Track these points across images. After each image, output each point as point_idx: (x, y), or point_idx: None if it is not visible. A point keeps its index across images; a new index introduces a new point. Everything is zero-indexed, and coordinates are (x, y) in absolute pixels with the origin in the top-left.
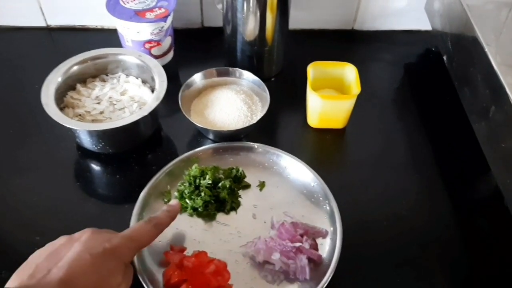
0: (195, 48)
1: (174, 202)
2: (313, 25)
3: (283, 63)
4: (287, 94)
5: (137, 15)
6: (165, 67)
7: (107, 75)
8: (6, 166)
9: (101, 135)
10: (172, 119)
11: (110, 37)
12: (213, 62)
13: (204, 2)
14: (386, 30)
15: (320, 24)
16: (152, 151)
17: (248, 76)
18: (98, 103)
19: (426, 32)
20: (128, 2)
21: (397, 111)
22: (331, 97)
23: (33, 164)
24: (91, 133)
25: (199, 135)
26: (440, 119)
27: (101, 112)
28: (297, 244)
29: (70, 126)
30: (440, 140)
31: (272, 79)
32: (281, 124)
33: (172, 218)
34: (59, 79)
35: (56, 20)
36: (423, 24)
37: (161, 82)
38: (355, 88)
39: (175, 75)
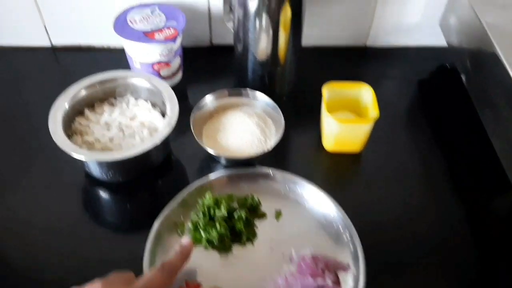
0: (204, 67)
1: (185, 241)
2: (324, 42)
3: (296, 82)
4: (300, 115)
5: (146, 36)
6: (174, 87)
7: (115, 99)
8: (9, 194)
9: (111, 165)
10: (183, 142)
11: (117, 57)
12: (222, 81)
13: (213, 20)
14: (400, 46)
15: (331, 41)
16: (163, 178)
17: (261, 98)
18: (108, 129)
19: (441, 48)
20: (136, 23)
21: (412, 130)
22: (348, 120)
23: (38, 191)
24: (101, 163)
25: (211, 160)
26: (456, 137)
27: (111, 140)
28: (319, 281)
29: (80, 157)
30: (457, 159)
31: (284, 98)
32: (295, 147)
33: (185, 259)
34: (67, 105)
35: (61, 39)
36: (438, 40)
37: (172, 106)
38: (373, 110)
39: (184, 95)
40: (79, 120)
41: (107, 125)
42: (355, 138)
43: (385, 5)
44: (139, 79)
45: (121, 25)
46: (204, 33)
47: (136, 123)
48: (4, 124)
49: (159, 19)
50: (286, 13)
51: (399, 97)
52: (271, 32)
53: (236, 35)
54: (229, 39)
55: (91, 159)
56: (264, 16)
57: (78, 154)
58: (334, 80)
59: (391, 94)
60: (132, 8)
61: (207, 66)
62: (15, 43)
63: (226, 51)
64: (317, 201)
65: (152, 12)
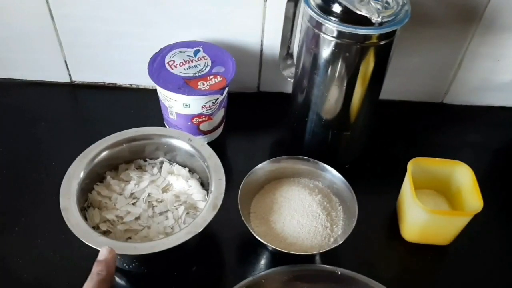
0: (249, 118)
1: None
2: (395, 96)
3: (363, 148)
4: (368, 190)
5: (187, 85)
6: (213, 142)
7: (145, 160)
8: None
9: (135, 256)
10: (222, 217)
11: (145, 98)
12: (271, 138)
13: (264, 65)
14: (482, 105)
15: (403, 95)
16: (197, 265)
17: (326, 169)
18: (133, 203)
19: None
20: (176, 67)
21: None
22: (442, 212)
23: (42, 277)
24: (124, 255)
25: (258, 245)
26: None
27: (137, 218)
28: None
29: (98, 248)
30: None
31: (347, 166)
32: (364, 234)
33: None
34: (83, 173)
35: (82, 75)
36: None
37: (217, 181)
38: (473, 198)
39: (224, 153)
40: (98, 189)
41: (133, 197)
42: (447, 230)
43: (474, 59)
44: (176, 140)
45: (157, 68)
46: (252, 78)
47: (170, 196)
48: (11, 171)
49: (203, 64)
50: (368, 63)
51: (489, 169)
52: (344, 87)
53: (298, 85)
54: (279, 87)
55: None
56: (340, 65)
57: (94, 244)
58: (405, 145)
59: (476, 160)
60: (170, 47)
61: (252, 118)
62: (32, 77)
63: (274, 99)
64: None
65: (195, 54)
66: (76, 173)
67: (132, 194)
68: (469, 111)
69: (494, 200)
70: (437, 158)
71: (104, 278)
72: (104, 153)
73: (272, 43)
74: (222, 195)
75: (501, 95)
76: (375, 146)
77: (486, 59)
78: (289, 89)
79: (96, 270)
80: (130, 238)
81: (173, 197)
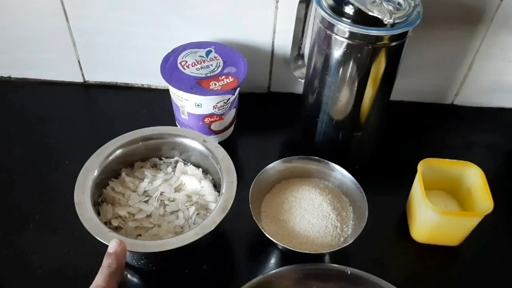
0: (259, 118)
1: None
2: (406, 97)
3: (374, 148)
4: (377, 190)
5: (199, 85)
6: (224, 141)
7: (160, 159)
8: (17, 274)
9: (144, 253)
10: (233, 215)
11: (158, 98)
12: (281, 137)
13: (275, 65)
14: (492, 107)
15: (414, 97)
16: (208, 263)
17: (336, 169)
18: (146, 201)
19: None
20: (188, 67)
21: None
22: (452, 213)
23: (56, 272)
24: (133, 252)
25: (269, 244)
26: None
27: (148, 216)
28: None
29: (107, 243)
30: None
31: (356, 167)
32: (374, 234)
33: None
34: (97, 171)
35: (96, 75)
36: None
37: (229, 183)
38: (483, 199)
39: (235, 152)
40: (113, 185)
41: (146, 195)
42: (457, 231)
43: (485, 60)
44: (191, 140)
45: (169, 68)
46: (263, 78)
47: (182, 196)
48: (26, 169)
49: (215, 64)
50: (380, 64)
51: (500, 170)
52: (355, 88)
53: (309, 86)
54: (290, 88)
55: None
56: (351, 66)
57: (104, 239)
58: (415, 145)
59: (486, 161)
60: (183, 47)
61: (263, 117)
62: (45, 76)
63: (285, 99)
64: None
65: (207, 54)
66: (92, 169)
67: (145, 192)
68: (480, 113)
69: (505, 201)
70: (447, 159)
71: (114, 271)
72: (120, 151)
73: (284, 44)
74: (233, 198)
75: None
76: (386, 147)
77: (497, 60)
78: (299, 89)
79: (107, 262)
80: (140, 235)
81: (185, 197)
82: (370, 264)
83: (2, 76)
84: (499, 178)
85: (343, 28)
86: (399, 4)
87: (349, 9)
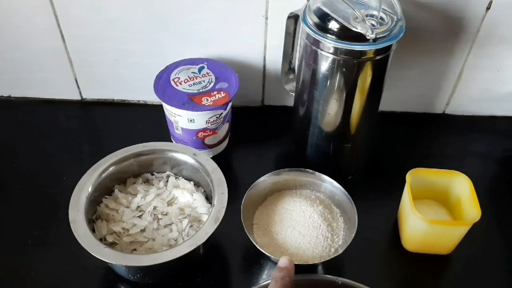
0: (253, 132)
1: (284, 261)
2: (398, 108)
3: (365, 159)
4: (369, 201)
5: (192, 101)
6: (218, 155)
7: (152, 174)
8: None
9: (140, 267)
10: (226, 228)
11: (153, 114)
12: (274, 150)
13: (267, 79)
14: (484, 115)
15: (406, 107)
16: (202, 276)
17: (326, 180)
18: (139, 216)
19: None
20: (180, 84)
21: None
22: (440, 222)
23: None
24: (129, 266)
25: (261, 256)
26: None
27: (142, 230)
28: None
29: (103, 259)
30: None
31: (349, 177)
32: (365, 244)
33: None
34: (93, 184)
35: (92, 93)
36: None
37: (220, 195)
38: (471, 208)
39: (229, 165)
40: (107, 202)
41: (140, 210)
42: (447, 240)
43: (474, 70)
44: (182, 155)
45: (162, 85)
46: (256, 93)
47: (175, 209)
48: (25, 186)
49: (207, 80)
50: (366, 77)
51: (492, 179)
52: (343, 101)
53: (299, 99)
54: (283, 101)
55: (117, 263)
56: (338, 80)
57: (100, 255)
58: (408, 155)
59: (478, 170)
60: (176, 64)
61: (257, 130)
62: (42, 95)
63: (278, 112)
64: None
65: (199, 71)
66: (85, 187)
67: (138, 207)
68: (472, 121)
69: (497, 209)
70: (435, 169)
71: (287, 284)
72: (113, 168)
73: (275, 59)
74: (224, 209)
75: (503, 105)
76: (377, 157)
77: (486, 70)
78: (292, 102)
79: (280, 275)
80: (135, 249)
81: (178, 210)
82: (361, 274)
83: (2, 96)
84: (491, 186)
85: (328, 44)
86: (381, 18)
87: (333, 25)
